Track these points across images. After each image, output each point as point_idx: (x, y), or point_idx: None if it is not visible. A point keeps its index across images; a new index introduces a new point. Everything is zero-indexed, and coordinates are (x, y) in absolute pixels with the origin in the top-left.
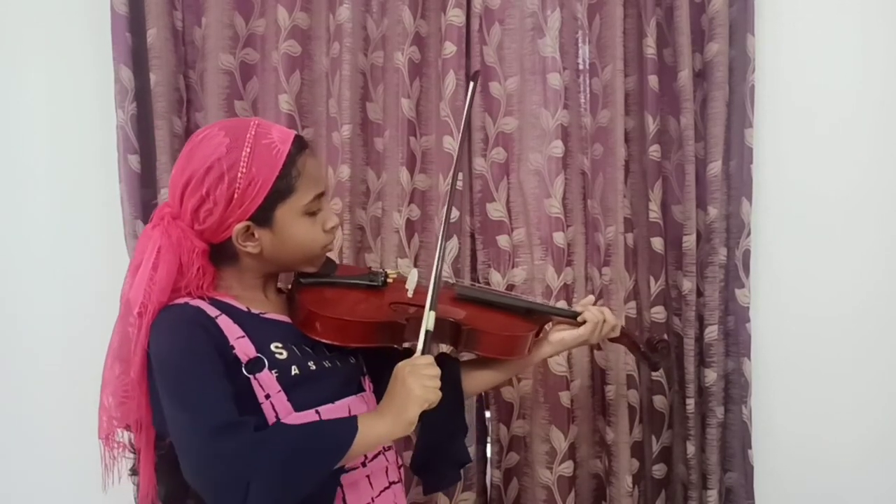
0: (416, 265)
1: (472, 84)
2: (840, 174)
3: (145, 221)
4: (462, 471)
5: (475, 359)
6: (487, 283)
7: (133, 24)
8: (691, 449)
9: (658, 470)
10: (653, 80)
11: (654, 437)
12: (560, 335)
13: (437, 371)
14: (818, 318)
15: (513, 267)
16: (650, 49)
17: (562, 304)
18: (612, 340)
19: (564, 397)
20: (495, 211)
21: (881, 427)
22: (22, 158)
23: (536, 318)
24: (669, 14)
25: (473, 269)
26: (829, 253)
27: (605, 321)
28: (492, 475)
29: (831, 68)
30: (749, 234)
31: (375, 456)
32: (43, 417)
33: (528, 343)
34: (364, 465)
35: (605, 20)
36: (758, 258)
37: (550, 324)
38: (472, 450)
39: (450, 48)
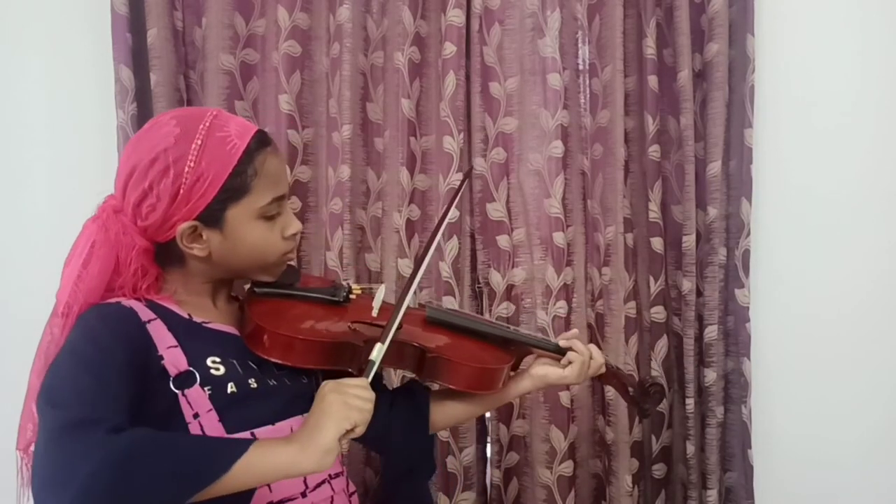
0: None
1: (464, 179)
2: (840, 174)
3: None
4: (469, 492)
5: (443, 390)
6: (487, 284)
7: (133, 24)
8: (691, 449)
9: (658, 470)
10: (652, 81)
11: (653, 437)
12: (543, 370)
13: (369, 394)
14: (818, 318)
15: (513, 267)
16: (650, 49)
17: (563, 307)
18: (599, 379)
19: (564, 397)
20: (495, 211)
21: (881, 427)
22: (22, 158)
23: (514, 349)
24: (669, 14)
25: (473, 269)
26: (828, 253)
27: (591, 358)
28: (491, 475)
29: (831, 68)
30: (749, 234)
31: (318, 485)
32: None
33: (502, 377)
34: (304, 494)
35: (605, 20)
36: (757, 258)
37: (532, 356)
38: (471, 449)
39: (450, 48)
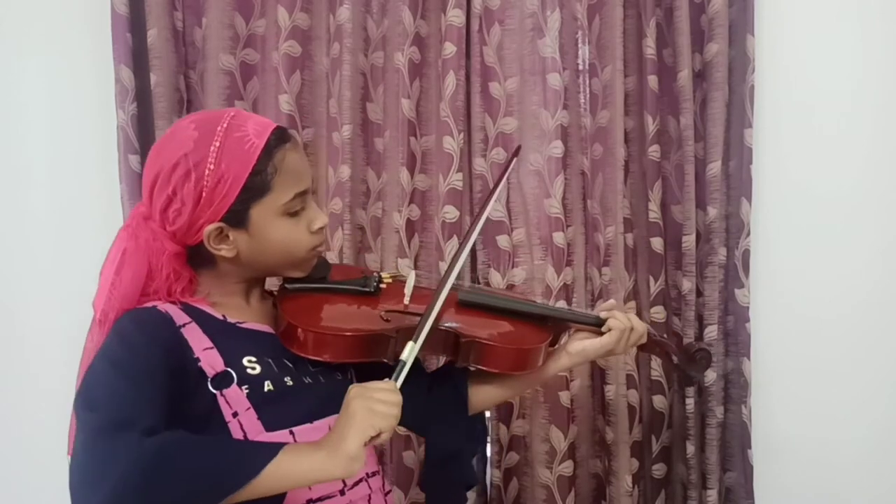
0: (416, 265)
1: (514, 159)
2: (840, 174)
3: None
4: (467, 492)
5: (481, 371)
6: (487, 284)
7: (133, 24)
8: (691, 449)
9: (658, 469)
10: (652, 81)
11: (653, 437)
12: (580, 345)
13: (395, 397)
14: (818, 318)
15: (513, 267)
16: (650, 49)
17: (562, 306)
18: (642, 349)
19: (564, 397)
20: (495, 211)
21: (881, 427)
22: (22, 158)
23: (551, 325)
24: (669, 14)
25: (473, 269)
26: (828, 253)
27: (632, 329)
28: (491, 475)
29: (831, 68)
30: (748, 234)
31: (356, 483)
32: (41, 419)
33: (540, 355)
34: (342, 493)
35: (605, 20)
36: (757, 258)
37: (569, 332)
38: None
39: (450, 48)
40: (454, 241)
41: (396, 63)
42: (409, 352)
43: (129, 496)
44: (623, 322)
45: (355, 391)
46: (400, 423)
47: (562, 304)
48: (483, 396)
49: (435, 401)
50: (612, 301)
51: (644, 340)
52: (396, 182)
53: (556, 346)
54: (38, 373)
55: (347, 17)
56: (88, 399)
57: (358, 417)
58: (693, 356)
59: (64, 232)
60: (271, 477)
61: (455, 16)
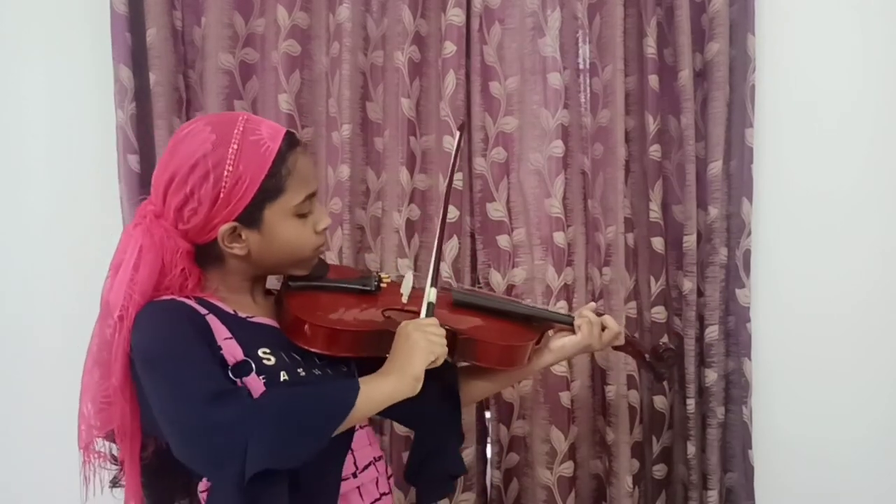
0: (415, 265)
1: (458, 134)
2: (840, 174)
3: None
4: (455, 482)
5: (472, 366)
6: (487, 284)
7: (133, 23)
8: (692, 449)
9: (658, 470)
10: (653, 80)
11: (654, 438)
12: (560, 342)
13: (441, 331)
14: (818, 318)
15: (513, 267)
16: (650, 49)
17: (563, 307)
18: (616, 348)
19: (565, 397)
20: (495, 211)
21: (881, 427)
22: (21, 158)
23: (537, 325)
24: (670, 14)
25: (473, 269)
26: (829, 253)
27: (604, 326)
28: (492, 475)
29: (831, 68)
30: (749, 233)
31: (366, 467)
32: (41, 418)
33: (527, 352)
34: (355, 475)
35: (606, 20)
36: (758, 258)
37: (552, 331)
38: (471, 450)
39: (450, 48)
40: (454, 241)
41: (396, 62)
42: (432, 294)
43: (273, 447)
44: (589, 316)
45: (412, 325)
46: (391, 416)
47: (528, 302)
48: (472, 391)
49: (428, 394)
50: (591, 304)
51: (621, 342)
52: (396, 182)
53: (540, 344)
54: (38, 371)
55: (347, 16)
56: (174, 380)
57: (420, 346)
58: (661, 355)
59: (63, 231)
60: (362, 405)
61: (455, 15)
